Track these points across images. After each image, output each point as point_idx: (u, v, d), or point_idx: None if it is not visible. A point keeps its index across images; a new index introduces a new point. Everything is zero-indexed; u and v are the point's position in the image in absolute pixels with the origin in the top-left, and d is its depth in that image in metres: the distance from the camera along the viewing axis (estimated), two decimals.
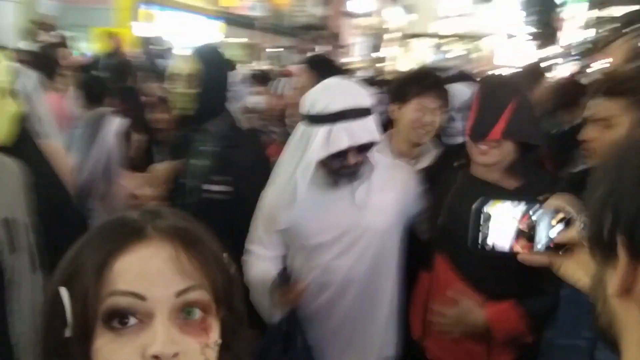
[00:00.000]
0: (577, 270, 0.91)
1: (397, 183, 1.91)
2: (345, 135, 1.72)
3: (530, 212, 0.91)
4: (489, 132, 1.72)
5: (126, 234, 0.68)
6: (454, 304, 1.81)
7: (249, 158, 2.24)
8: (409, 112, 2.16)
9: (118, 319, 0.65)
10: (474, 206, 0.92)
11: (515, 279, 1.81)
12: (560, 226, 0.91)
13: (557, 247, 0.92)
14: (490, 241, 0.92)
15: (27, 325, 1.69)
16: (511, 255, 0.92)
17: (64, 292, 0.66)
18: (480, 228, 0.92)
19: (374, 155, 1.85)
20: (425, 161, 2.21)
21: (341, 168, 1.78)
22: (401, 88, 2.23)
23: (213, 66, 2.25)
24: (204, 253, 0.71)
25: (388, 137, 2.20)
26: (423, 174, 2.03)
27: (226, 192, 2.15)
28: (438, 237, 1.88)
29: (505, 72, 8.41)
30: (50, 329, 0.68)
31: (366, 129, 1.75)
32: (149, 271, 0.66)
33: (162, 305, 0.65)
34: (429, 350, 1.92)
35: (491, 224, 0.91)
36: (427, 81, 2.23)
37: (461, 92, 2.61)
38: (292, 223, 1.86)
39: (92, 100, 3.23)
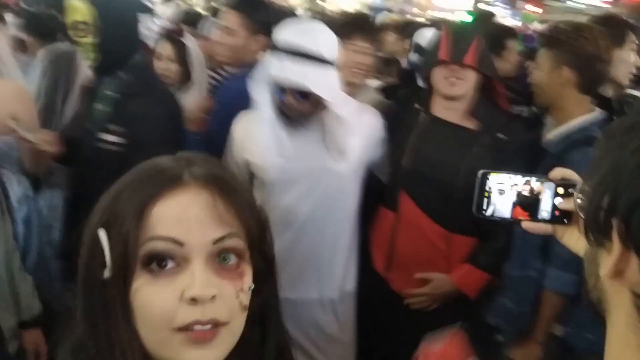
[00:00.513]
0: (580, 240, 0.91)
1: (362, 127, 1.95)
2: (282, 69, 1.74)
3: (534, 181, 0.93)
4: (463, 57, 1.81)
5: (164, 180, 0.69)
6: (425, 282, 1.98)
7: (152, 109, 2.01)
8: (342, 53, 2.21)
9: (156, 262, 0.66)
10: (479, 173, 0.94)
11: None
12: (564, 196, 0.93)
13: (561, 216, 0.93)
14: (492, 208, 0.93)
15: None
16: (514, 223, 0.95)
17: (102, 235, 0.68)
18: (485, 195, 0.93)
19: (341, 98, 1.88)
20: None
21: (283, 107, 1.80)
22: (335, 30, 2.26)
23: (111, 11, 2.06)
24: (239, 200, 0.72)
25: None
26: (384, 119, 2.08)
27: (119, 144, 1.96)
28: (403, 177, 1.97)
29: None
30: (89, 271, 0.69)
31: (306, 76, 1.74)
32: (187, 218, 0.67)
33: (200, 251, 0.67)
34: (393, 281, 2.05)
35: (494, 191, 0.93)
36: (357, 23, 2.30)
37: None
38: (256, 154, 1.88)
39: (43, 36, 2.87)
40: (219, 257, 0.69)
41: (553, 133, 1.88)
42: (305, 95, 1.76)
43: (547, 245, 1.74)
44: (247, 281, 0.71)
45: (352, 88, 2.26)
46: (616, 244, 0.54)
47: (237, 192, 0.73)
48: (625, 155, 0.55)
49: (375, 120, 2.01)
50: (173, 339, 0.66)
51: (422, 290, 1.99)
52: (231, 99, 2.18)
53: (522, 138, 1.91)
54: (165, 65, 2.67)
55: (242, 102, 1.95)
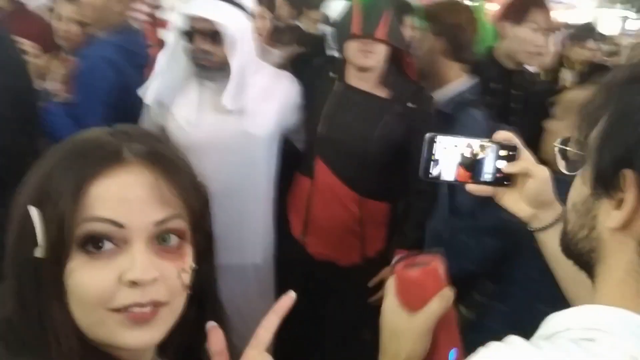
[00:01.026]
0: (519, 202, 0.97)
1: (279, 93, 1.98)
2: (191, 7, 1.76)
3: (478, 144, 0.95)
4: (374, 31, 1.86)
5: (102, 156, 0.66)
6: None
7: None
8: None
9: (93, 243, 0.64)
10: (426, 137, 0.94)
11: (388, 179, 2.05)
12: (506, 159, 0.96)
13: (502, 178, 0.96)
14: (437, 171, 0.95)
15: None
16: (457, 185, 0.97)
17: (34, 213, 0.64)
18: (431, 158, 0.94)
19: (254, 62, 1.90)
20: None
21: (194, 53, 1.80)
22: None
23: None
24: (182, 179, 0.70)
25: None
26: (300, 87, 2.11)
27: None
28: (318, 144, 2.02)
29: None
30: (20, 248, 0.66)
31: (215, 10, 1.75)
32: (128, 199, 0.65)
33: (140, 233, 0.65)
34: (310, 245, 2.12)
35: (440, 154, 0.94)
36: None
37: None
38: (170, 119, 1.87)
39: None
40: (160, 238, 0.67)
41: (437, 96, 2.07)
42: (215, 37, 1.77)
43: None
44: (189, 261, 0.70)
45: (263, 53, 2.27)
46: (631, 196, 0.55)
47: (180, 170, 0.71)
48: (636, 105, 0.56)
49: (291, 86, 2.04)
50: (109, 319, 0.65)
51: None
52: (93, 66, 2.09)
53: (429, 106, 2.01)
54: (65, 26, 2.54)
55: (104, 69, 1.92)
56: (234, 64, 1.82)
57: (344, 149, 1.99)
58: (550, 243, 0.97)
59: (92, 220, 0.63)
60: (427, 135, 0.94)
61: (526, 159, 0.97)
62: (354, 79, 1.99)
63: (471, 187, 0.97)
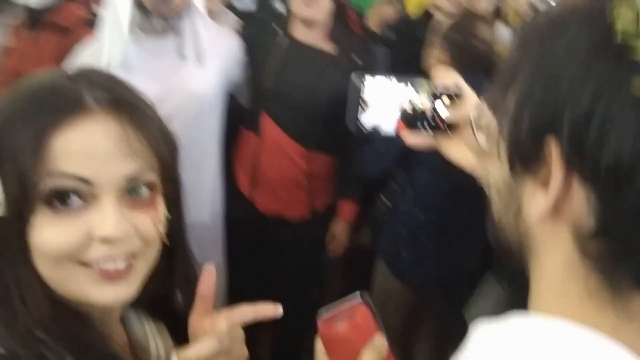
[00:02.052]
0: (463, 150, 0.86)
1: (224, 49, 1.96)
2: None
3: (415, 88, 0.82)
4: None
5: (63, 105, 0.61)
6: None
7: None
8: None
9: (59, 198, 0.60)
10: (352, 80, 0.80)
11: (335, 132, 2.07)
12: (447, 103, 0.83)
13: (444, 126, 0.85)
14: (371, 120, 0.81)
15: None
16: (396, 137, 0.84)
17: None
18: (362, 105, 0.80)
19: (202, 14, 1.86)
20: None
21: (154, 1, 1.73)
22: None
23: None
24: (151, 128, 0.66)
25: None
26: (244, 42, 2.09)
27: None
28: (264, 99, 2.02)
29: None
30: None
31: None
32: (96, 152, 0.61)
33: (110, 188, 0.62)
34: (258, 201, 2.14)
35: (371, 100, 0.80)
36: None
37: None
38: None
39: None
40: (131, 191, 0.64)
41: None
42: None
43: None
44: (162, 211, 0.68)
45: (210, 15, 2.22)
46: (557, 171, 0.43)
47: (149, 118, 0.67)
48: (559, 59, 0.44)
49: (234, 42, 2.02)
50: (80, 274, 0.62)
51: (334, 249, 2.22)
52: None
53: (374, 61, 2.03)
54: None
55: None
56: (193, 8, 1.79)
57: (290, 104, 2.00)
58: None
59: (57, 176, 0.60)
60: (353, 76, 0.79)
61: (469, 104, 0.84)
62: (299, 33, 1.99)
63: (409, 137, 0.85)
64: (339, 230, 2.22)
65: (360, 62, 1.97)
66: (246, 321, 0.73)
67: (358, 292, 0.75)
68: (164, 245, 0.70)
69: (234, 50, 2.01)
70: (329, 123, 2.03)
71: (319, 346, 0.74)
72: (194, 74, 1.85)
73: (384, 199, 2.14)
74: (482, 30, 1.91)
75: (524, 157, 0.47)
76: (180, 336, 0.79)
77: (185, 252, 0.79)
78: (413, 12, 2.80)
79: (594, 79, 0.41)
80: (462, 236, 1.95)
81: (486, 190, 0.85)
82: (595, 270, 0.44)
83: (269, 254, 2.27)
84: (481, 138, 0.68)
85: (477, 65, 1.82)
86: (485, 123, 0.57)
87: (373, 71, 0.84)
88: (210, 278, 0.73)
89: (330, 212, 2.19)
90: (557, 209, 0.44)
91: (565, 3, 0.48)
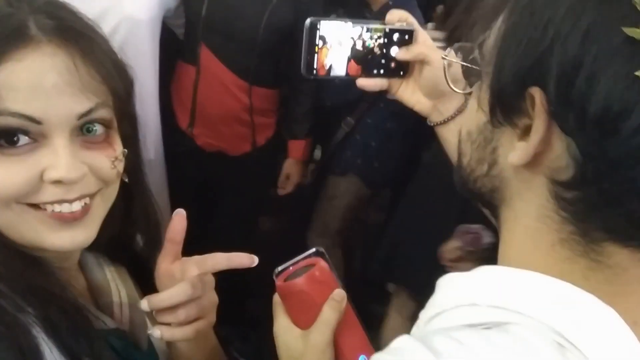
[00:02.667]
0: (416, 92, 0.85)
1: None
2: None
3: (367, 29, 0.81)
4: None
5: (5, 35, 0.55)
6: None
7: None
8: None
9: (5, 137, 0.56)
10: (306, 25, 0.78)
11: (277, 65, 2.02)
12: (400, 44, 0.82)
13: (397, 68, 0.83)
14: (324, 64, 0.80)
15: None
16: (349, 80, 0.83)
17: None
18: (315, 50, 0.79)
19: None
20: None
21: None
22: None
23: None
24: (104, 61, 0.61)
25: None
26: None
27: None
28: (202, 29, 1.92)
29: None
30: None
31: None
32: (44, 88, 0.56)
33: (62, 127, 0.58)
34: (198, 136, 2.07)
35: (325, 44, 0.79)
36: None
37: None
38: None
39: None
40: (84, 129, 0.60)
41: None
42: None
43: None
44: (119, 148, 0.64)
45: None
46: (539, 122, 0.42)
47: (100, 48, 0.61)
48: (547, 1, 0.42)
49: None
50: (31, 217, 0.59)
51: (286, 187, 2.24)
52: None
53: None
54: None
55: None
56: None
57: (230, 36, 1.91)
58: (452, 138, 0.85)
59: (1, 114, 0.55)
60: (308, 21, 0.79)
61: (422, 44, 0.83)
62: None
63: (362, 82, 0.83)
64: (291, 170, 2.21)
65: None
66: (218, 269, 0.71)
67: (314, 248, 0.74)
68: (122, 184, 0.67)
69: None
70: (271, 55, 1.97)
71: (276, 303, 0.73)
72: None
73: (349, 118, 2.19)
74: None
75: (505, 107, 0.45)
76: (143, 280, 0.77)
77: (144, 190, 0.76)
78: None
79: (584, 22, 0.39)
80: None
81: (437, 132, 0.86)
82: (569, 221, 0.44)
83: (210, 189, 2.24)
84: (456, 83, 0.66)
85: None
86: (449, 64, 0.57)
87: (326, 16, 0.83)
88: (180, 222, 0.70)
89: (270, 145, 2.17)
90: (535, 160, 0.44)
91: None
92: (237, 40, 1.92)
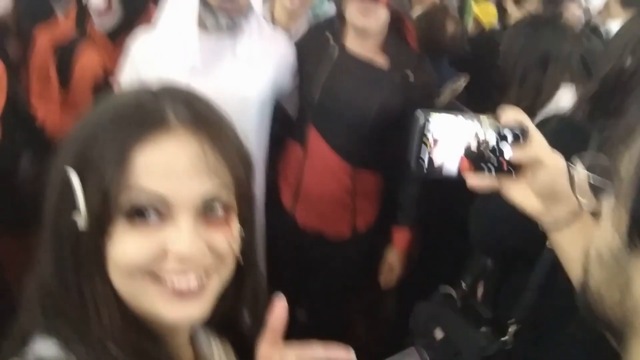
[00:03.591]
0: (527, 193, 0.83)
1: (277, 53, 1.90)
2: None
3: (480, 125, 0.79)
4: None
5: (148, 121, 0.63)
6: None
7: None
8: None
9: (138, 213, 0.62)
10: (417, 117, 0.77)
11: (383, 150, 1.99)
12: (512, 144, 0.80)
13: (509, 168, 0.82)
14: (434, 160, 0.79)
15: None
16: (460, 179, 0.81)
17: (75, 180, 0.61)
18: (425, 143, 0.78)
19: (259, 17, 1.81)
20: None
21: (220, 3, 1.70)
22: None
23: None
24: (229, 147, 0.67)
25: (269, 5, 2.16)
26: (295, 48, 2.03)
27: None
28: (312, 111, 1.95)
29: None
30: (59, 215, 0.63)
31: None
32: (175, 171, 0.62)
33: (187, 206, 0.63)
34: (299, 216, 2.06)
35: (435, 138, 0.78)
36: None
37: None
38: (161, 72, 1.74)
39: None
40: (207, 208, 0.65)
41: None
42: None
43: None
44: (236, 229, 0.68)
45: (295, 20, 2.20)
46: None
47: (227, 136, 0.68)
48: None
49: (288, 47, 1.95)
50: (152, 289, 0.63)
51: (388, 279, 2.13)
52: None
53: (429, 77, 1.94)
54: None
55: None
56: (256, 8, 1.76)
57: (338, 118, 1.92)
58: (566, 245, 0.84)
59: (137, 192, 0.61)
60: (418, 114, 0.77)
61: (537, 145, 0.81)
62: (353, 44, 1.91)
63: (473, 180, 0.82)
64: (393, 260, 2.10)
65: (413, 79, 1.88)
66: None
67: (413, 347, 0.71)
68: (236, 263, 0.71)
69: (287, 55, 1.94)
70: (378, 140, 1.94)
71: None
72: (244, 75, 1.80)
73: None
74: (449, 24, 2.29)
75: None
76: (245, 357, 0.80)
77: (256, 270, 0.79)
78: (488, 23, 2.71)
79: None
80: None
81: (550, 235, 0.82)
82: None
83: (305, 270, 2.20)
84: (585, 197, 0.60)
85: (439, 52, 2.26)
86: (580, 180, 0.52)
87: (438, 108, 0.85)
88: (281, 311, 0.73)
89: (372, 233, 2.10)
90: None
91: None
92: (346, 125, 1.92)
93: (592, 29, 3.04)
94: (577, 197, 0.62)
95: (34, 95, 2.17)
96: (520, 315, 1.37)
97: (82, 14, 2.18)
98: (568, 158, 0.77)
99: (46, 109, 2.15)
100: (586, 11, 3.22)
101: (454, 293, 1.60)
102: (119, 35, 2.15)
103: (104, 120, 0.64)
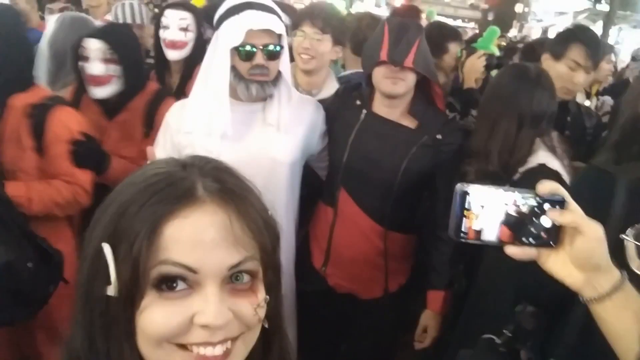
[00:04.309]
0: (567, 264, 0.83)
1: (306, 118, 1.94)
2: (248, 19, 1.72)
3: (519, 196, 0.81)
4: (404, 59, 1.81)
5: (177, 195, 0.65)
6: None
7: None
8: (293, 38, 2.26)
9: (167, 283, 0.64)
10: (457, 189, 0.81)
11: (414, 212, 1.99)
12: (551, 213, 0.82)
13: (548, 238, 0.83)
14: (475, 229, 0.81)
15: None
16: (499, 248, 0.83)
17: (108, 251, 0.64)
18: (465, 214, 0.81)
19: (288, 84, 1.87)
20: (326, 92, 2.28)
21: (251, 69, 1.74)
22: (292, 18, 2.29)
23: None
24: (255, 218, 0.69)
25: (292, 71, 2.24)
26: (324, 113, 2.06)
27: None
28: (342, 173, 1.97)
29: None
30: (91, 285, 0.65)
31: (269, 20, 1.74)
32: (203, 242, 0.64)
33: (214, 276, 0.65)
34: (330, 277, 2.06)
35: (476, 209, 0.81)
36: (306, 9, 2.35)
37: None
38: (196, 138, 1.82)
39: None
40: (233, 278, 0.67)
41: None
42: (272, 55, 1.75)
43: None
44: (262, 296, 0.69)
45: (314, 78, 2.31)
46: None
47: (253, 208, 0.69)
48: None
49: (317, 112, 1.99)
50: (178, 358, 0.64)
51: (423, 340, 2.07)
52: None
53: (458, 140, 1.95)
54: None
55: None
56: (286, 76, 1.82)
57: (368, 181, 1.94)
58: (608, 317, 0.83)
59: (166, 263, 0.63)
60: (458, 187, 0.81)
61: (575, 213, 0.81)
62: (381, 108, 1.95)
63: (512, 250, 0.82)
64: (430, 323, 2.05)
65: (440, 139, 1.90)
66: None
67: None
68: (262, 328, 0.72)
69: (315, 119, 1.98)
70: (409, 202, 1.95)
71: None
72: (274, 139, 1.84)
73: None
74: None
75: None
76: None
77: (282, 335, 0.79)
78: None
79: None
80: None
81: (591, 307, 0.83)
82: None
83: (338, 330, 2.17)
84: (634, 265, 0.58)
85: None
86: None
87: (478, 182, 0.85)
88: None
89: (403, 292, 2.07)
90: None
91: None
92: (374, 186, 1.94)
93: (624, 83, 3.06)
94: (630, 267, 0.60)
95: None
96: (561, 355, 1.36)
97: (82, 88, 2.25)
98: (597, 204, 0.77)
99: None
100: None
101: (497, 339, 1.57)
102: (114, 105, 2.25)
103: (135, 193, 0.66)
